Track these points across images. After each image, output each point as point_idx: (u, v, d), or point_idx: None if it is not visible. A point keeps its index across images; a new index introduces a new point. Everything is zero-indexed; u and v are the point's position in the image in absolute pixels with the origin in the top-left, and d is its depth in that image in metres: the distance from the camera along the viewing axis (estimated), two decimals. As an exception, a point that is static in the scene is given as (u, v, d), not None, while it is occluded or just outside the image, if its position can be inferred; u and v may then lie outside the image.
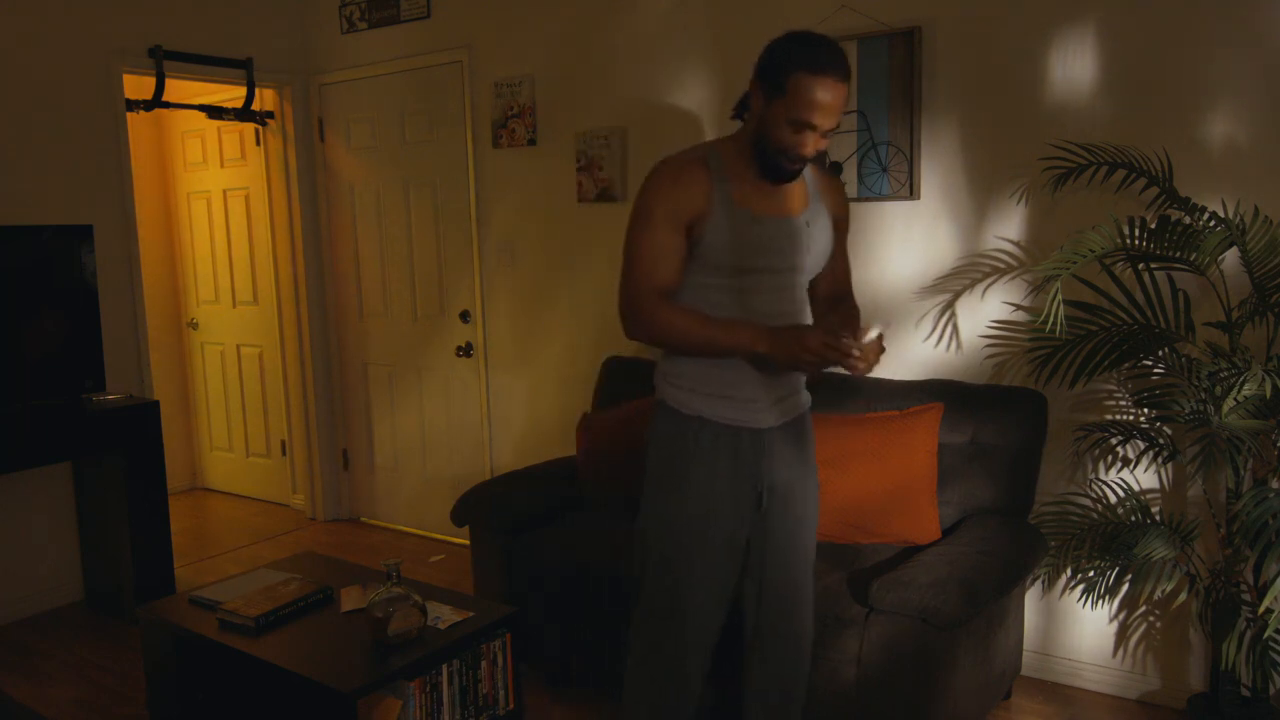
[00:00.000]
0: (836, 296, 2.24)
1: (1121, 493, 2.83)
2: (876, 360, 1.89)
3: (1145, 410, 2.80)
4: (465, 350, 4.41)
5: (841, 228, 2.20)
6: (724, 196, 2.00)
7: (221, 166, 5.25)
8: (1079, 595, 2.96)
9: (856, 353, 1.85)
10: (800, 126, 1.90)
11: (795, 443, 2.16)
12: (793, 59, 1.88)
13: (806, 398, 2.22)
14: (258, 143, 4.98)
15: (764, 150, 1.97)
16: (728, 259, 2.01)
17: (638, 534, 2.17)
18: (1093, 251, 2.47)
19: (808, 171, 2.12)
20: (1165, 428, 2.75)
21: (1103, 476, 2.94)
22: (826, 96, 1.86)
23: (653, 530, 2.12)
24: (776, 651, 2.22)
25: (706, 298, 2.04)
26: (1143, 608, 2.93)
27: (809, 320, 2.16)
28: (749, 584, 2.18)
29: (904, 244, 3.21)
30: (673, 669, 2.14)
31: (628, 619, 2.23)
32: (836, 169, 3.26)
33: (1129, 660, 2.97)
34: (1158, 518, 2.79)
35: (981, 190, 3.05)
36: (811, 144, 1.93)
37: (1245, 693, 2.61)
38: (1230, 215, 2.58)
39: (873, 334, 1.87)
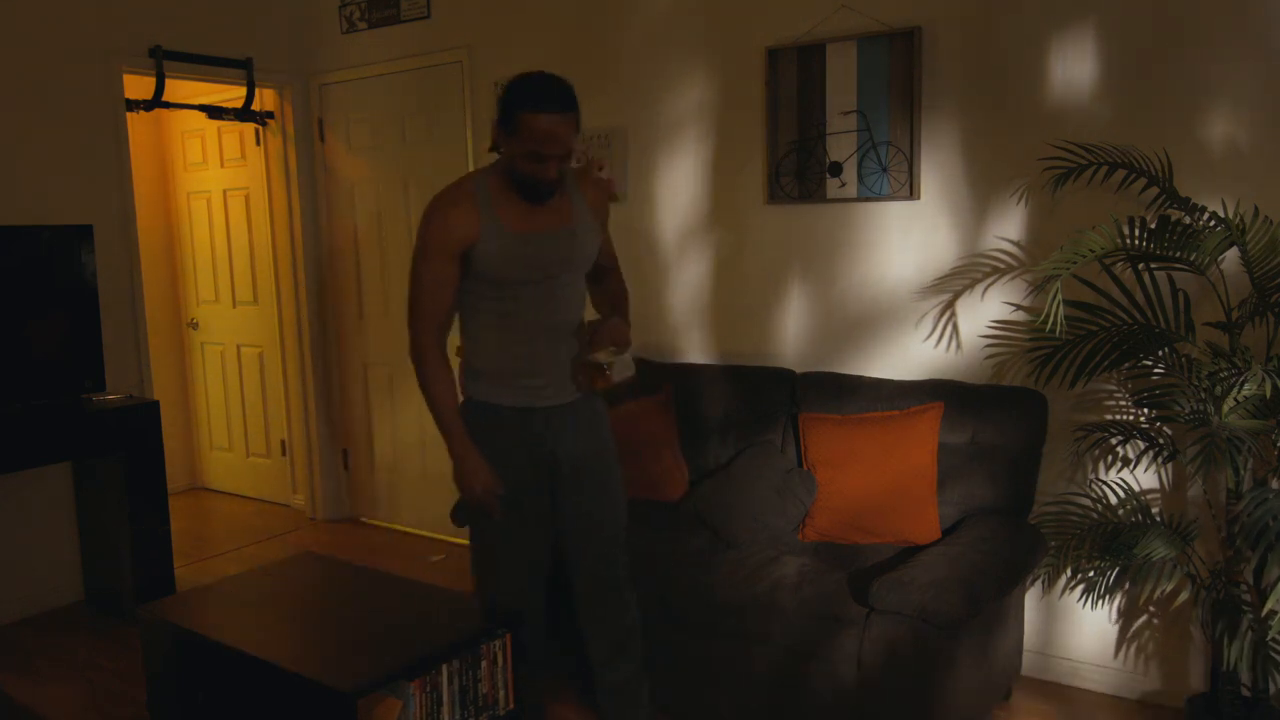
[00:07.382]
0: (604, 271, 2.51)
1: (1121, 493, 2.83)
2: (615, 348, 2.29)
3: (1145, 410, 2.80)
4: (465, 350, 4.41)
5: (602, 217, 2.44)
6: (492, 222, 2.25)
7: (221, 166, 5.25)
8: (1079, 595, 2.96)
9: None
10: (535, 157, 2.15)
11: (584, 417, 2.41)
12: (519, 100, 2.13)
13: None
14: (258, 143, 4.98)
15: (515, 180, 2.23)
16: (499, 275, 2.28)
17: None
18: (1093, 251, 2.47)
19: (570, 177, 2.34)
20: (1165, 428, 2.75)
21: (1103, 476, 2.94)
22: (550, 128, 2.11)
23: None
24: (599, 597, 2.52)
25: (476, 305, 2.33)
26: (1143, 608, 2.93)
27: (575, 313, 2.40)
28: (569, 545, 2.47)
29: (904, 244, 3.20)
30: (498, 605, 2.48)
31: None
32: (836, 169, 3.26)
33: (1129, 660, 2.96)
34: (1158, 518, 2.79)
35: (981, 190, 3.05)
36: (552, 169, 2.18)
37: (1245, 693, 2.61)
38: (1230, 215, 2.58)
39: (601, 356, 2.27)
